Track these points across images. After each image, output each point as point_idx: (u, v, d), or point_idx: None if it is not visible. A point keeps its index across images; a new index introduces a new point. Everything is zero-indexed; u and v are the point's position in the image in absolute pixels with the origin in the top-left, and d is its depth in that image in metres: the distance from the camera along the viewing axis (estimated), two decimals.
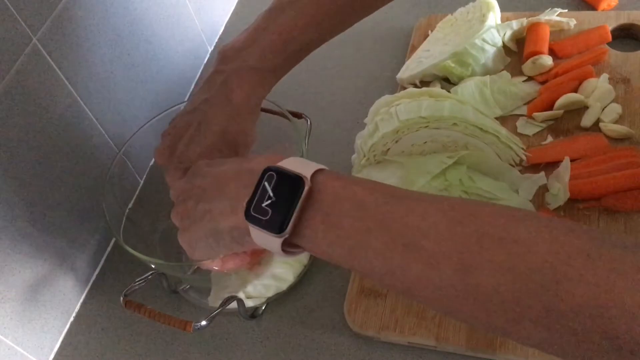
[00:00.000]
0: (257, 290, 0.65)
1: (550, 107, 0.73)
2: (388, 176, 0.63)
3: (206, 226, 0.48)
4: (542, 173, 0.67)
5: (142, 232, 0.68)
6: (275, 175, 0.43)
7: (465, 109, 0.64)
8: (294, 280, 0.67)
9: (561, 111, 0.71)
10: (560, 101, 0.71)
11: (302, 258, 0.68)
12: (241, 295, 0.64)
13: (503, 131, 0.65)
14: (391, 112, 0.64)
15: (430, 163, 0.62)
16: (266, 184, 0.43)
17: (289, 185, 0.42)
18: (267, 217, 0.42)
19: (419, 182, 0.61)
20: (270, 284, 0.66)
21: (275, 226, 0.42)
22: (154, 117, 0.70)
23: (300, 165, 0.43)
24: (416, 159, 0.63)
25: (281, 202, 0.42)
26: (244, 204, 0.44)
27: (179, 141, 0.60)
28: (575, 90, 0.73)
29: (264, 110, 0.68)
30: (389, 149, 0.64)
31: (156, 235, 0.71)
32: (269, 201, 0.43)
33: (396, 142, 0.64)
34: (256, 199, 0.43)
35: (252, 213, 0.43)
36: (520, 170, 0.68)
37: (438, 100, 0.64)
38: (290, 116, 0.65)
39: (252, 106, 0.60)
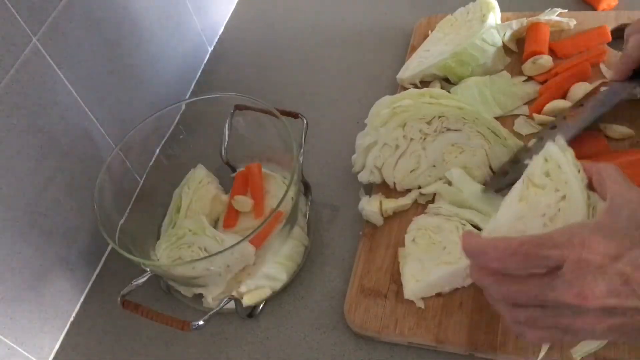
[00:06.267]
0: (250, 290, 0.65)
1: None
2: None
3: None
4: None
5: (142, 233, 0.68)
6: None
7: (466, 109, 0.64)
8: (287, 280, 0.67)
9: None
10: (549, 107, 0.71)
11: (297, 257, 0.68)
12: (234, 294, 0.64)
13: (503, 131, 0.65)
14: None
15: None
16: None
17: None
18: None
19: None
20: (263, 284, 0.66)
21: None
22: (153, 114, 0.70)
23: None
24: None
25: None
26: None
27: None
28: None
29: (254, 109, 0.68)
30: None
31: (155, 235, 0.71)
32: None
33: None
34: None
35: None
36: None
37: (440, 104, 0.65)
38: (278, 114, 0.64)
39: None
